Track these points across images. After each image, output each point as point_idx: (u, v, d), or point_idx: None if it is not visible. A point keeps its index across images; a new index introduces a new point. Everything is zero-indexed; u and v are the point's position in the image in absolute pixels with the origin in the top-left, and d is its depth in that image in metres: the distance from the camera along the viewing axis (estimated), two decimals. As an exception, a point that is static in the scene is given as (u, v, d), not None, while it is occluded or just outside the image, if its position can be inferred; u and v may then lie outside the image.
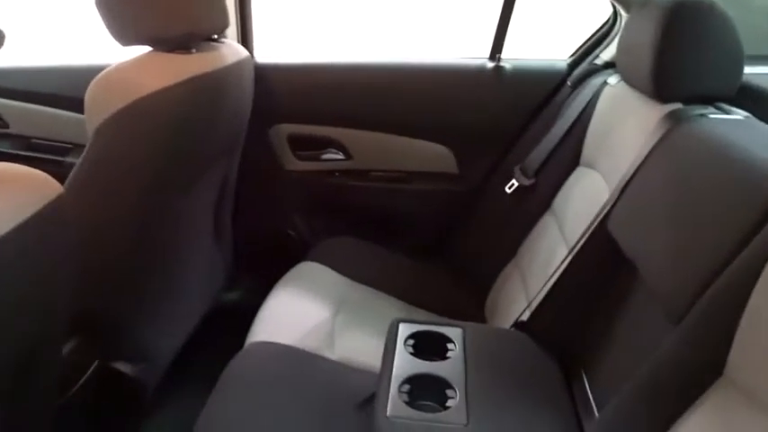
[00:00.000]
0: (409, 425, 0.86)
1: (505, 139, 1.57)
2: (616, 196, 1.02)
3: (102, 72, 0.96)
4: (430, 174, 1.66)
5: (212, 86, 1.12)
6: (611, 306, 1.00)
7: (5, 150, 1.62)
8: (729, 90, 1.00)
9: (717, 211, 0.77)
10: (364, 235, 1.58)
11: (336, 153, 1.66)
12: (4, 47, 0.74)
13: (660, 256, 0.84)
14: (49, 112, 1.58)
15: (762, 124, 0.93)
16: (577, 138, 1.31)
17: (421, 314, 1.35)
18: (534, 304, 1.13)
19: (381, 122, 1.61)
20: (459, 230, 1.63)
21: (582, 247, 1.07)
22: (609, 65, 1.47)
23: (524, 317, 1.15)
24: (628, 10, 1.35)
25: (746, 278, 0.63)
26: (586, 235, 1.06)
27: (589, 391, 0.99)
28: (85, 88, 0.96)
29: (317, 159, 1.67)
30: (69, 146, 1.61)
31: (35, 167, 0.69)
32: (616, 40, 1.46)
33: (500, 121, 1.58)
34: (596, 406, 0.95)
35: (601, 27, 1.55)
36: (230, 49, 1.23)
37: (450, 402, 0.90)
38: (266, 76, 1.54)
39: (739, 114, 0.96)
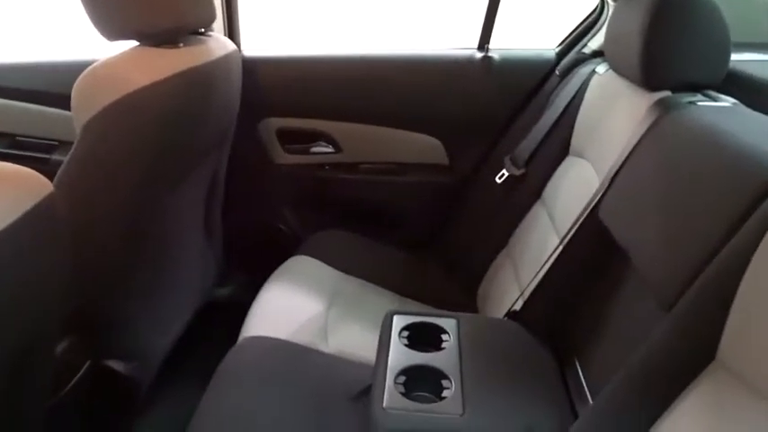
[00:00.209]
0: (406, 416, 0.86)
1: (495, 129, 1.58)
2: (606, 185, 1.02)
3: (89, 68, 0.95)
4: (420, 165, 1.66)
5: (201, 81, 1.11)
6: (604, 294, 1.01)
7: None
8: (717, 77, 1.01)
9: (706, 199, 0.77)
10: (355, 228, 1.58)
11: (326, 146, 1.66)
12: None
13: (651, 243, 0.85)
14: (35, 108, 1.56)
15: (749, 111, 0.94)
16: (567, 127, 1.31)
17: (414, 306, 1.36)
18: (527, 294, 1.14)
19: (370, 115, 1.60)
20: (449, 221, 1.64)
21: (573, 235, 1.07)
22: (597, 54, 1.47)
23: (517, 306, 1.15)
24: (615, -2, 1.36)
25: (737, 265, 0.63)
26: (577, 224, 1.07)
27: (583, 379, 1.00)
28: (71, 84, 0.95)
29: (307, 153, 1.67)
30: (55, 143, 1.59)
31: (20, 165, 0.68)
32: (604, 28, 1.46)
33: (489, 112, 1.58)
34: (590, 393, 0.96)
35: (588, 16, 1.56)
36: (217, 42, 1.22)
37: (445, 393, 0.91)
38: (254, 70, 1.53)
39: (727, 101, 0.97)
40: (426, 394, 0.92)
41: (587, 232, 1.05)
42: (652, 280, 0.83)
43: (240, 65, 1.35)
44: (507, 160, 1.44)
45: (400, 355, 0.97)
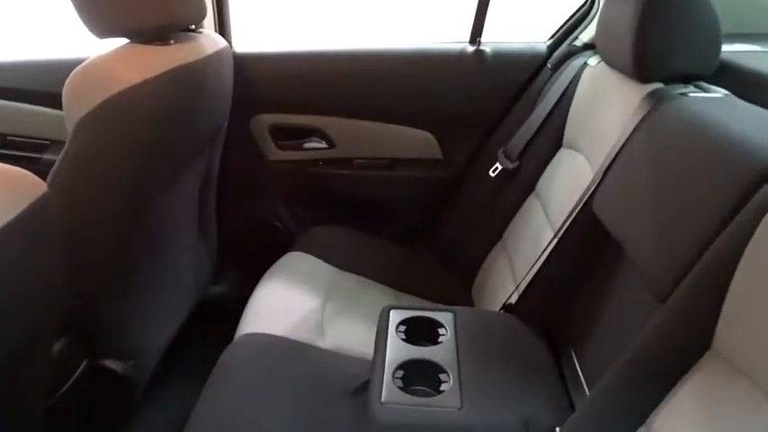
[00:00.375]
0: (404, 410, 0.87)
1: (488, 122, 1.58)
2: (600, 177, 1.03)
3: (80, 66, 0.94)
4: (414, 160, 1.66)
5: (193, 78, 1.10)
6: (599, 286, 1.01)
7: None
8: (708, 68, 1.01)
9: (699, 189, 0.78)
10: (350, 223, 1.58)
11: (319, 142, 1.65)
12: None
13: (645, 235, 0.86)
14: (25, 108, 1.54)
15: (741, 102, 0.94)
16: (559, 119, 1.31)
17: (409, 300, 1.36)
18: (522, 286, 1.14)
19: (363, 110, 1.60)
20: (444, 215, 1.64)
21: (567, 228, 1.08)
22: (588, 46, 1.47)
23: (512, 299, 1.16)
24: (606, -9, 1.36)
25: (731, 255, 0.64)
26: (572, 216, 1.07)
27: (579, 370, 1.01)
28: (62, 83, 0.94)
29: (300, 149, 1.66)
30: (47, 142, 1.57)
31: (11, 165, 0.68)
32: (595, 21, 1.46)
33: (482, 105, 1.58)
34: (587, 384, 0.97)
35: (579, 8, 1.56)
36: (208, 39, 1.22)
37: (443, 386, 0.92)
38: (245, 66, 1.52)
39: (719, 92, 0.97)
40: (424, 388, 0.92)
41: (582, 224, 1.06)
42: (647, 271, 0.83)
43: (231, 61, 1.35)
44: (501, 153, 1.44)
45: (398, 350, 0.98)
